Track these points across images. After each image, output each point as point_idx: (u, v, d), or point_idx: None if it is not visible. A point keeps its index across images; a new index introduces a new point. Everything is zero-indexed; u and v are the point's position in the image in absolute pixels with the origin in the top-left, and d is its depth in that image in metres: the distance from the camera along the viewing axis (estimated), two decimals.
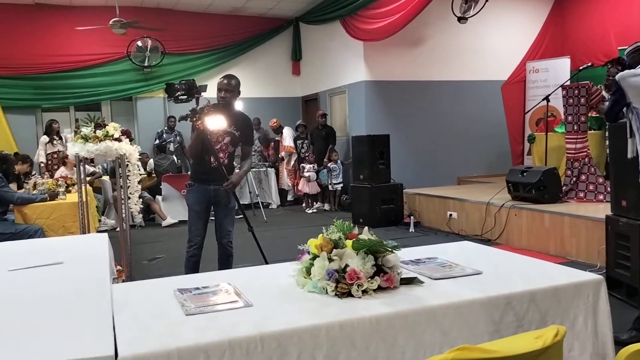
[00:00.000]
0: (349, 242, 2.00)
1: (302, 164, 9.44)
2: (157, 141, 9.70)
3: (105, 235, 3.21)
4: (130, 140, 4.51)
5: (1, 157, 5.15)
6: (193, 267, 3.91)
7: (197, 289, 2.05)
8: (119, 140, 4.30)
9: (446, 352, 1.27)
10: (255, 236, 4.06)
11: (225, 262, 4.03)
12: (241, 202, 4.12)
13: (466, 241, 2.87)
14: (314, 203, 9.45)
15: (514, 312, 1.92)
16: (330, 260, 1.97)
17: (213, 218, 4.02)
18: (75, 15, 9.51)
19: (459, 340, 1.80)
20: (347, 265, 1.94)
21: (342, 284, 1.90)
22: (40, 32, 9.52)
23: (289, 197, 10.29)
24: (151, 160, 9.09)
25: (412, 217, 7.36)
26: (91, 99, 10.05)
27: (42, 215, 5.20)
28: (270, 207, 9.78)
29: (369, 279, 1.92)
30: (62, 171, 7.48)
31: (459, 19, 8.19)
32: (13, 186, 6.04)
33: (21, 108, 9.66)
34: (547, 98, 6.69)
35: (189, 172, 4.53)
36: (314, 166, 9.27)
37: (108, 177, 8.37)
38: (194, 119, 3.64)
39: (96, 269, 2.42)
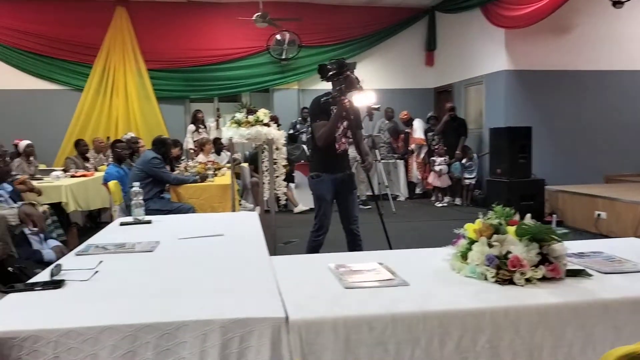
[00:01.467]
0: (510, 229, 1.92)
1: (433, 157, 9.26)
2: (291, 131, 10.06)
3: (256, 213, 3.41)
4: (277, 126, 4.73)
5: (161, 140, 5.64)
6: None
7: (351, 265, 2.10)
8: (267, 125, 4.53)
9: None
10: (383, 221, 4.08)
11: (355, 247, 4.08)
12: (369, 193, 4.16)
13: (634, 238, 2.63)
14: (444, 197, 9.24)
15: None
16: (490, 245, 1.90)
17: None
18: (222, 11, 10.18)
19: (633, 338, 1.65)
20: (508, 252, 1.86)
21: (504, 271, 1.83)
22: (191, 28, 10.30)
23: (418, 190, 10.16)
24: (284, 149, 9.43)
25: (554, 216, 6.89)
26: (233, 90, 10.72)
27: (193, 195, 5.62)
28: (398, 199, 9.73)
29: (533, 268, 1.83)
30: (200, 158, 7.99)
31: (614, 4, 7.55)
32: (167, 168, 6.60)
33: (172, 98, 10.58)
34: None
35: (311, 163, 4.59)
36: (445, 159, 9.05)
37: (247, 164, 8.85)
38: (341, 97, 3.69)
39: (254, 242, 2.57)
